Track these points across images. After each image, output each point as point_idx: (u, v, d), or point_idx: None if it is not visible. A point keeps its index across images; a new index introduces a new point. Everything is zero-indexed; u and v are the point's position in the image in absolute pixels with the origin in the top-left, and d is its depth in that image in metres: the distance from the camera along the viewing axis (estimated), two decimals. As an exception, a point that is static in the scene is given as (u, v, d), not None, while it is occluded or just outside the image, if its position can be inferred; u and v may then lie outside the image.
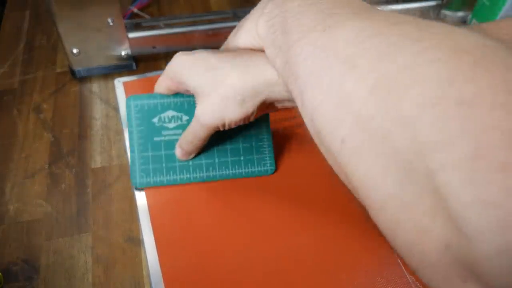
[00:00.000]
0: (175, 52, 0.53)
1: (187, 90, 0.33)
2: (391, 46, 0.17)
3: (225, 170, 0.35)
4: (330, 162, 0.21)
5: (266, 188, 0.35)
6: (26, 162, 0.41)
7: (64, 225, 0.37)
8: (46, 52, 0.53)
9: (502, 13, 0.47)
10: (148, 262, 0.31)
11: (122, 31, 0.47)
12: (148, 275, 0.31)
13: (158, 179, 0.34)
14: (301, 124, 0.22)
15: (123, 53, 0.48)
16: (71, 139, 0.43)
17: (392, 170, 0.16)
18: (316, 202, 0.35)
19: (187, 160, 0.35)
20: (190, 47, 0.52)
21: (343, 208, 0.34)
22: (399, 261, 0.31)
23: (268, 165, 0.36)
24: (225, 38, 0.51)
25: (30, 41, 0.55)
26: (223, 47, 0.33)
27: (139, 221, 0.33)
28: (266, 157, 0.36)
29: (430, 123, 0.15)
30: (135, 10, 0.57)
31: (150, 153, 0.34)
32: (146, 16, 0.56)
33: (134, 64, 0.50)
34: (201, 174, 0.35)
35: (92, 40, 0.46)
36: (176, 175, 0.34)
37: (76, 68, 0.48)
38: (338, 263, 0.31)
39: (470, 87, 0.14)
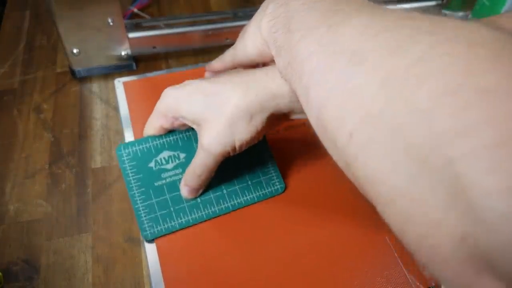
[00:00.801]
0: (175, 52, 0.53)
1: (184, 125, 0.32)
2: (401, 40, 0.17)
3: (236, 199, 0.34)
4: (336, 158, 0.21)
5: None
6: (26, 162, 0.41)
7: (64, 225, 0.37)
8: (46, 52, 0.53)
9: (502, 13, 0.47)
10: (148, 262, 0.31)
11: (122, 31, 0.47)
12: (148, 275, 0.31)
13: (169, 225, 0.32)
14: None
15: (123, 53, 0.49)
16: (71, 139, 0.43)
17: (403, 164, 0.16)
18: (319, 204, 0.35)
19: (195, 198, 0.33)
20: (190, 47, 0.52)
21: (345, 209, 0.34)
22: (399, 261, 0.31)
23: (277, 183, 0.35)
24: (225, 38, 0.51)
25: (30, 41, 0.55)
26: (229, 51, 0.33)
27: (139, 221, 0.34)
28: (273, 176, 0.35)
29: (449, 112, 0.14)
30: (135, 10, 0.57)
31: (154, 200, 0.32)
32: (146, 16, 0.56)
33: (134, 64, 0.50)
34: (213, 209, 0.33)
35: (92, 40, 0.46)
36: (187, 216, 0.33)
37: (76, 68, 0.48)
38: (339, 263, 0.31)
39: (490, 76, 0.14)
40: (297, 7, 0.24)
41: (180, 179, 0.33)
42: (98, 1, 0.43)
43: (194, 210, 0.33)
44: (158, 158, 0.33)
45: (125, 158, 0.32)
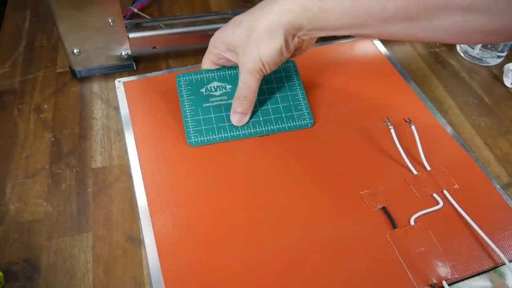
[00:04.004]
0: (175, 52, 0.53)
1: (228, 60, 0.38)
2: None
3: (270, 126, 0.39)
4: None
5: (265, 184, 0.35)
6: (26, 162, 0.41)
7: (64, 225, 0.37)
8: (46, 52, 0.53)
9: None
10: (149, 261, 0.31)
11: (123, 31, 0.47)
12: (149, 275, 0.31)
13: (211, 137, 0.38)
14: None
15: (123, 53, 0.49)
16: (72, 139, 0.43)
17: None
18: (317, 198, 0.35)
19: None
20: (190, 47, 0.52)
21: (346, 207, 0.34)
22: (400, 258, 0.31)
23: (307, 119, 0.40)
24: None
25: (30, 41, 0.55)
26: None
27: (140, 221, 0.34)
28: (304, 113, 0.40)
29: None
30: (136, 10, 0.57)
31: (201, 117, 0.39)
32: (147, 16, 0.56)
33: (134, 64, 0.50)
34: (249, 131, 0.39)
35: (92, 40, 0.46)
36: (227, 133, 0.38)
37: (77, 68, 0.49)
38: (339, 262, 0.31)
39: None
40: None
41: (224, 105, 0.39)
42: (99, 1, 0.44)
43: (233, 129, 0.39)
44: (208, 86, 0.40)
45: (182, 83, 0.40)
